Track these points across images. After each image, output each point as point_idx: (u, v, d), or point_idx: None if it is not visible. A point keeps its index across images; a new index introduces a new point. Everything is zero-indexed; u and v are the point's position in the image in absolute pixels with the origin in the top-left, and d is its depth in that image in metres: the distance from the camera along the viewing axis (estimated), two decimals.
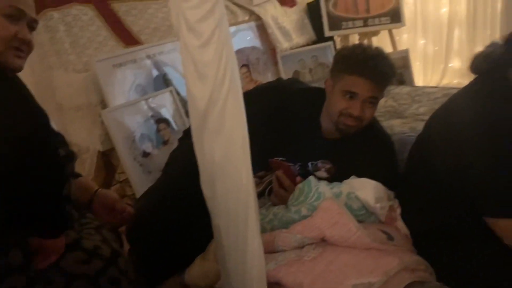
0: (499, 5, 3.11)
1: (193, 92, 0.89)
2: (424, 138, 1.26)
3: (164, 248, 1.21)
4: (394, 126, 2.19)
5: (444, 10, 3.45)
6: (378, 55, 1.31)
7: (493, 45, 1.18)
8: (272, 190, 1.37)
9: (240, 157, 0.92)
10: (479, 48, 3.37)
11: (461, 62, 3.47)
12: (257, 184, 1.37)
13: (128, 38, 2.12)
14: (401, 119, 2.32)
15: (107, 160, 1.93)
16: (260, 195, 1.37)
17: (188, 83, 0.90)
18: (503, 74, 1.10)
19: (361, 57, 1.29)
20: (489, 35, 3.29)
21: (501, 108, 1.07)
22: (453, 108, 1.18)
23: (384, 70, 1.30)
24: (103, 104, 1.86)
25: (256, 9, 2.72)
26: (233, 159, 0.91)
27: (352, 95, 1.30)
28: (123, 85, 1.96)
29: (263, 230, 1.16)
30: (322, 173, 1.41)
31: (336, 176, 1.37)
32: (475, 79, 1.19)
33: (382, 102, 2.54)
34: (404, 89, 2.74)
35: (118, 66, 1.96)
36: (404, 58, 3.11)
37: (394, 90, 2.72)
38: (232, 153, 0.91)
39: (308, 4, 3.10)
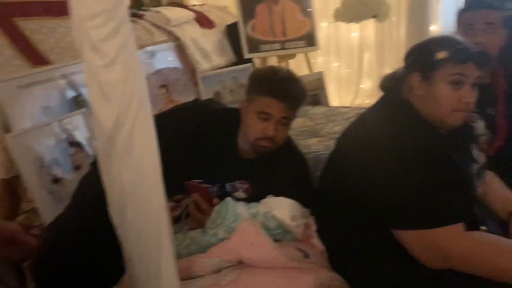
0: (402, 31, 3.39)
1: (99, 114, 0.85)
2: (336, 156, 1.31)
3: (73, 283, 1.12)
4: (311, 145, 2.27)
5: (355, 34, 3.69)
6: (289, 77, 1.35)
7: (399, 69, 1.27)
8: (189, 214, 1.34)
9: (150, 181, 0.88)
10: (387, 70, 3.65)
11: (371, 83, 3.71)
12: (174, 208, 1.33)
13: (36, 57, 2.00)
14: (317, 138, 2.41)
15: (12, 188, 1.78)
16: (177, 219, 1.33)
17: (93, 105, 0.86)
18: (400, 90, 1.20)
19: (274, 79, 1.33)
20: (395, 57, 3.56)
21: (402, 124, 1.14)
22: (361, 126, 1.25)
23: (295, 92, 1.34)
24: (7, 128, 1.72)
25: (175, 30, 2.71)
26: (143, 184, 0.88)
27: (266, 116, 1.33)
28: (31, 107, 1.83)
29: (180, 256, 1.13)
30: (240, 194, 1.41)
31: (254, 196, 1.37)
32: (381, 97, 1.28)
33: (299, 121, 2.63)
34: (320, 109, 2.86)
35: (24, 87, 1.83)
36: (319, 80, 3.26)
37: (311, 110, 2.83)
38: (142, 178, 0.87)
39: (228, 26, 3.15)
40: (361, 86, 3.79)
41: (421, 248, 1.07)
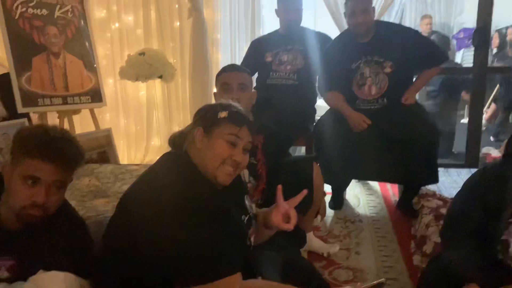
0: (187, 93, 3.59)
1: None
2: (118, 216, 1.26)
3: None
4: (98, 206, 2.12)
5: (142, 93, 3.74)
6: (62, 137, 1.25)
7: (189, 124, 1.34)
8: None
9: None
10: (176, 128, 3.75)
11: (160, 140, 3.78)
12: None
13: None
14: (104, 198, 2.27)
15: None
16: None
17: None
18: (185, 149, 1.27)
19: (43, 139, 1.21)
20: (183, 116, 3.72)
21: (181, 178, 1.19)
22: (142, 183, 1.24)
23: (69, 152, 1.25)
24: None
25: None
26: None
27: (35, 181, 1.19)
28: None
29: None
30: (3, 273, 1.20)
31: (22, 273, 1.18)
32: (168, 153, 1.31)
33: (85, 181, 2.46)
34: (108, 168, 2.74)
35: None
36: (108, 136, 3.15)
37: (98, 169, 2.68)
38: None
39: None
40: (151, 143, 3.81)
41: None
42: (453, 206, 1.63)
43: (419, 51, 2.61)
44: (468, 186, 1.58)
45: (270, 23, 3.39)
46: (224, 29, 3.45)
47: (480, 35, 3.31)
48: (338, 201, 2.83)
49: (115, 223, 1.26)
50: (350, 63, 2.66)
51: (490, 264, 1.45)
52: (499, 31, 4.82)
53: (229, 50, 3.50)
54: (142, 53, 3.14)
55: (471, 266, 1.42)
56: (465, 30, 5.78)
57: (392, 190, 3.12)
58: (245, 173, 1.88)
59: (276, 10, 2.98)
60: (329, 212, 2.74)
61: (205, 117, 1.28)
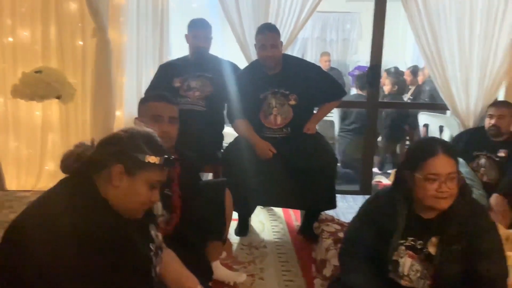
0: (88, 115, 3.37)
1: None
2: (5, 245, 1.13)
3: None
4: None
5: (38, 113, 3.46)
6: None
7: (81, 145, 1.23)
8: None
9: None
10: None
11: (55, 165, 3.49)
12: None
13: None
14: None
15: None
16: None
17: None
18: (90, 176, 1.17)
19: None
20: (81, 139, 3.46)
21: (82, 206, 1.11)
22: (36, 211, 1.13)
23: None
24: None
25: None
26: None
27: None
28: None
29: None
30: None
31: None
32: (64, 179, 1.20)
33: None
34: None
35: None
36: None
37: None
38: None
39: None
40: (45, 167, 3.52)
41: None
42: (349, 230, 1.74)
43: (322, 85, 2.81)
44: (362, 211, 1.70)
45: (179, 48, 3.38)
46: (130, 52, 3.36)
47: (373, 73, 3.64)
48: (244, 227, 2.86)
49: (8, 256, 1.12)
50: (258, 93, 2.76)
51: (387, 285, 1.56)
52: (387, 70, 5.34)
53: (135, 74, 3.41)
54: (38, 71, 2.92)
55: (372, 287, 1.51)
56: (359, 67, 6.32)
57: (295, 215, 3.23)
58: (158, 206, 1.81)
59: (186, 36, 2.99)
60: (235, 239, 2.75)
61: (127, 155, 1.16)
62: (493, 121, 2.92)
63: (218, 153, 2.96)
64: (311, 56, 8.42)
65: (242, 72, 2.92)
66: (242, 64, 3.09)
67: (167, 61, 3.23)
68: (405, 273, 1.54)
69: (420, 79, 5.57)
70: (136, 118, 1.92)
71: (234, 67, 3.04)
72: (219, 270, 2.16)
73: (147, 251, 1.26)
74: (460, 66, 3.34)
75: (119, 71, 3.30)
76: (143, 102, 1.93)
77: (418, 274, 1.52)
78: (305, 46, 8.77)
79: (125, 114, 3.31)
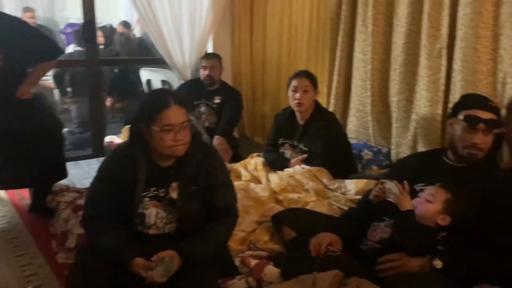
0: None
1: None
2: None
3: None
4: None
5: None
6: None
7: None
8: None
9: None
10: None
11: None
12: None
13: None
14: None
15: None
16: None
17: None
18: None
19: None
20: None
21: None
22: None
23: None
24: None
25: None
26: None
27: None
28: None
29: None
30: None
31: None
32: None
33: None
34: None
35: None
36: None
37: None
38: None
39: None
40: None
41: None
42: (90, 193, 1.65)
43: (32, 43, 2.44)
44: (101, 171, 1.63)
45: None
46: None
47: (88, 30, 3.42)
48: None
49: None
50: None
51: (136, 238, 1.56)
52: (102, 28, 5.12)
53: None
54: None
55: (123, 245, 1.48)
56: (72, 25, 5.85)
57: (21, 194, 2.85)
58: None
59: None
60: None
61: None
62: (206, 72, 3.25)
63: None
64: (10, 13, 7.25)
65: None
66: None
67: None
68: (152, 223, 1.58)
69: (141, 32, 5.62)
70: None
71: None
72: None
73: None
74: (172, 21, 3.50)
75: None
76: None
77: (164, 220, 1.59)
78: (1, 1, 7.47)
79: None
